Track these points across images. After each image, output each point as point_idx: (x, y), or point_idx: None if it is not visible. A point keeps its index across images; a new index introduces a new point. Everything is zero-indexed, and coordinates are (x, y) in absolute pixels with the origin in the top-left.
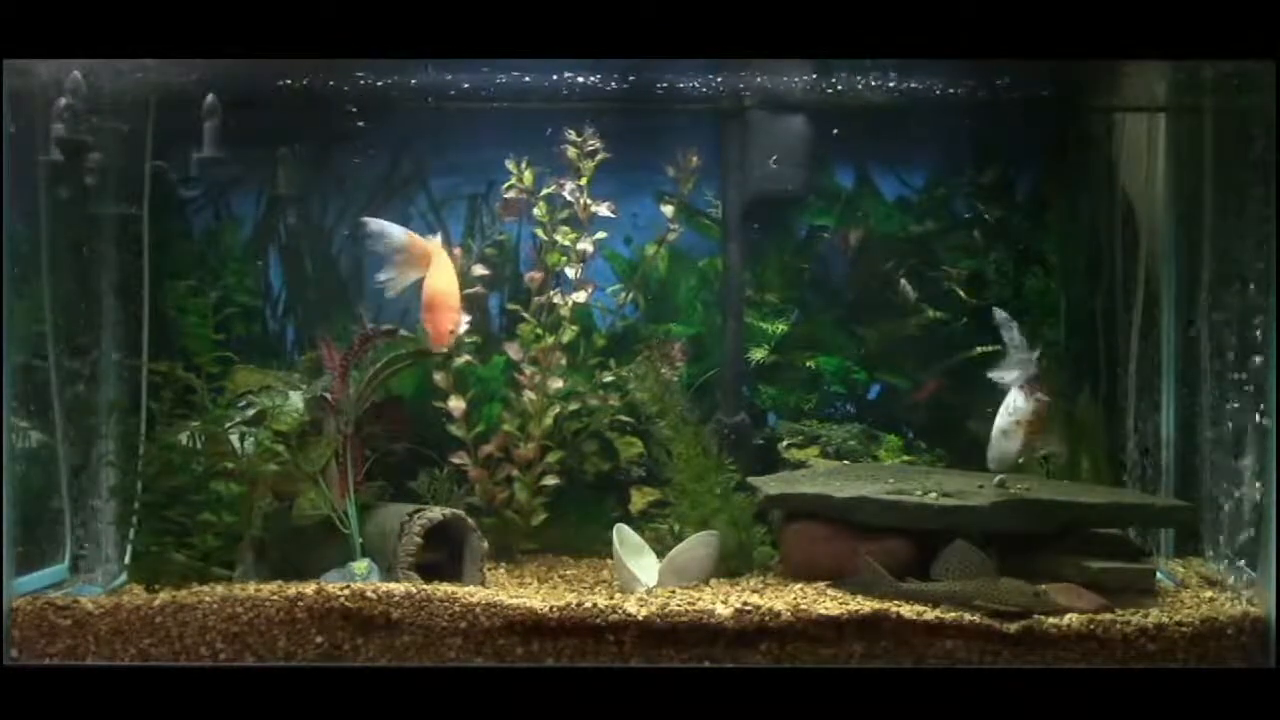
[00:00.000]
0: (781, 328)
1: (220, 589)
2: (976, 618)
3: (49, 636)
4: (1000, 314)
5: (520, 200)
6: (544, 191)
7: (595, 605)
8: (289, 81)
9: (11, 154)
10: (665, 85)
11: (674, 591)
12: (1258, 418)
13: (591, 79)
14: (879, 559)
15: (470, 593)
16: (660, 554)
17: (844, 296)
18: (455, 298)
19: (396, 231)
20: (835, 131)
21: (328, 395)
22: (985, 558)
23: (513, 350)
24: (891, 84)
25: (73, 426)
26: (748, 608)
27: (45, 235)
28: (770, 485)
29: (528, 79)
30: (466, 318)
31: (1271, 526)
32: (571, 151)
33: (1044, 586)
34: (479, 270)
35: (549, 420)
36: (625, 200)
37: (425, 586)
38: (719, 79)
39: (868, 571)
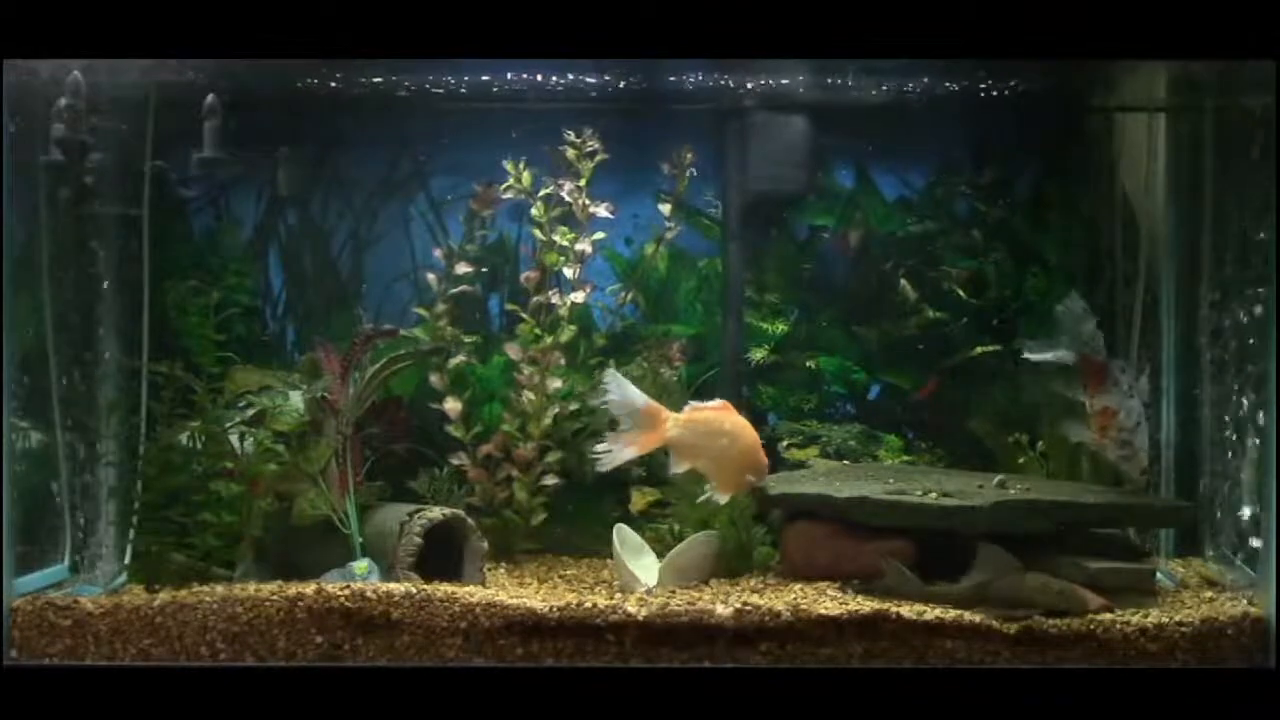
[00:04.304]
0: (781, 328)
1: (220, 589)
2: (977, 618)
3: (49, 636)
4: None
5: (494, 192)
6: (542, 192)
7: (595, 605)
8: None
9: (11, 154)
10: (666, 85)
11: (674, 591)
12: (1259, 417)
13: (593, 79)
14: (878, 559)
15: (470, 593)
16: (660, 554)
17: (844, 296)
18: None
19: (634, 395)
20: (835, 131)
21: (328, 395)
22: (1016, 562)
23: (512, 351)
24: (892, 83)
25: (73, 426)
26: (748, 608)
27: (45, 235)
28: (770, 485)
29: (535, 78)
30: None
31: (1272, 527)
32: (571, 152)
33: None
34: (463, 268)
35: (548, 420)
36: (626, 200)
37: (425, 586)
38: (720, 78)
39: (893, 574)
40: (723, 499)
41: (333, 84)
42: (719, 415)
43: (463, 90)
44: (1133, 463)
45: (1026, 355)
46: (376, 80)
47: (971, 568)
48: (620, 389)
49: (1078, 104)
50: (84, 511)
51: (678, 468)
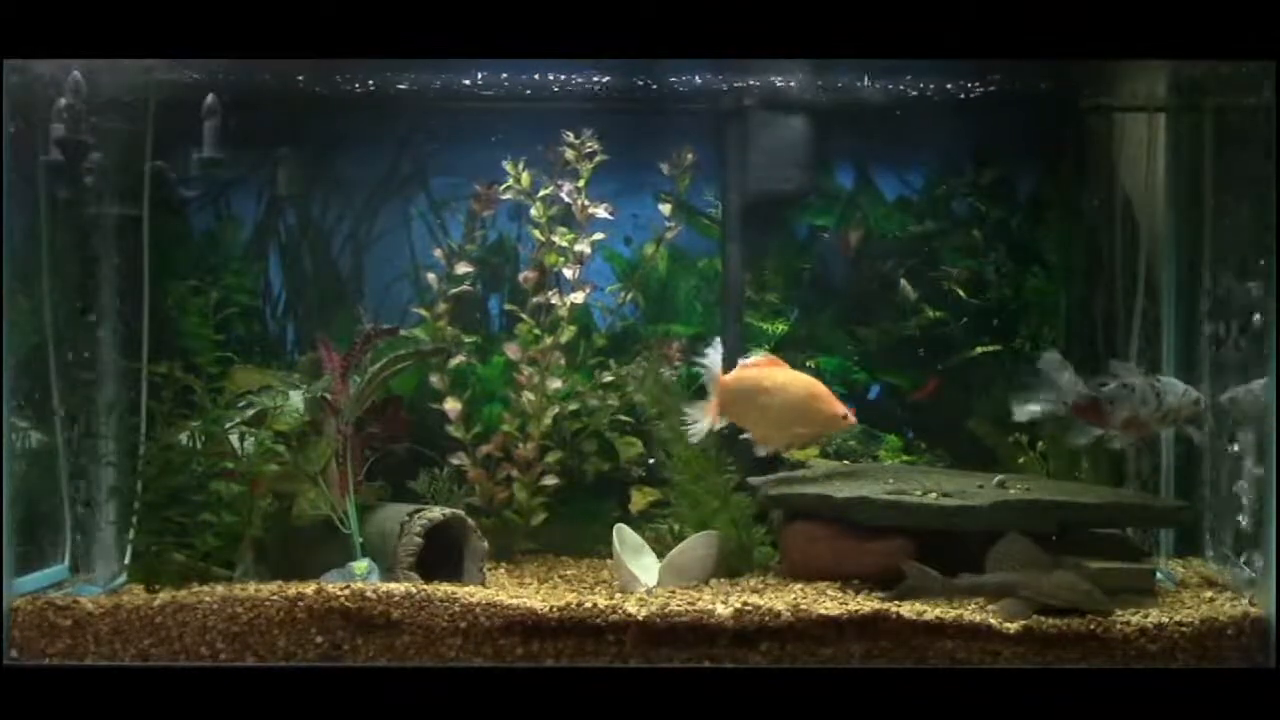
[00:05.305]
0: (781, 328)
1: (220, 589)
2: (976, 618)
3: (49, 636)
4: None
5: (494, 192)
6: (541, 193)
7: (595, 605)
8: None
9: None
10: (666, 85)
11: (674, 591)
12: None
13: (593, 78)
14: (879, 560)
15: (470, 593)
16: (660, 554)
17: (844, 296)
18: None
19: (713, 364)
20: (835, 131)
21: (328, 395)
22: (1039, 550)
23: (512, 351)
24: (892, 83)
25: (73, 426)
26: (748, 608)
27: (45, 235)
28: (770, 485)
29: (534, 78)
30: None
31: (1271, 527)
32: (570, 153)
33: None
34: (463, 268)
35: (548, 420)
36: (625, 200)
37: (425, 586)
38: (719, 78)
39: (915, 575)
40: (761, 451)
41: (325, 85)
42: (760, 372)
43: (463, 90)
44: (1184, 420)
45: (1016, 417)
46: (376, 80)
47: (991, 561)
48: (712, 356)
49: (1078, 103)
50: (84, 511)
51: (717, 423)
